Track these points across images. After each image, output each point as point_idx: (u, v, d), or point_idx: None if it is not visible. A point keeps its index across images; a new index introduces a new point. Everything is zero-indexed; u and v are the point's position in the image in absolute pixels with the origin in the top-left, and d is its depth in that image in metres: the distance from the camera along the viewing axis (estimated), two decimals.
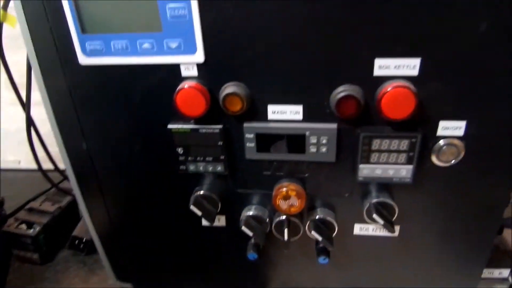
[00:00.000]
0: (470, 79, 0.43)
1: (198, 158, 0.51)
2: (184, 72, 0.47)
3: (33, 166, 1.08)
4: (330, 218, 0.52)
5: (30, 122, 0.67)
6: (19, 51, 0.62)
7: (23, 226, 0.76)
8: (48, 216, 0.78)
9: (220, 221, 0.58)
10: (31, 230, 0.74)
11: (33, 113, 0.91)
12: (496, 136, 0.45)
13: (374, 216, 0.49)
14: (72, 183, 0.58)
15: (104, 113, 0.51)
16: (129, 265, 0.66)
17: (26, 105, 0.65)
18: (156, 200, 0.58)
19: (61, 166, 0.82)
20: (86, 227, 0.77)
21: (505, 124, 0.45)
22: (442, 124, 0.45)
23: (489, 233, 0.54)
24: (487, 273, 0.61)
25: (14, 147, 1.09)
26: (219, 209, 0.54)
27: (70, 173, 0.57)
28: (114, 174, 0.56)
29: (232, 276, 0.64)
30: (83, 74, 0.49)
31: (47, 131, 0.95)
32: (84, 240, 0.77)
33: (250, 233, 0.53)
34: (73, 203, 0.84)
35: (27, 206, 0.80)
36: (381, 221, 0.49)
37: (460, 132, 0.45)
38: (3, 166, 1.09)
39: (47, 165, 1.04)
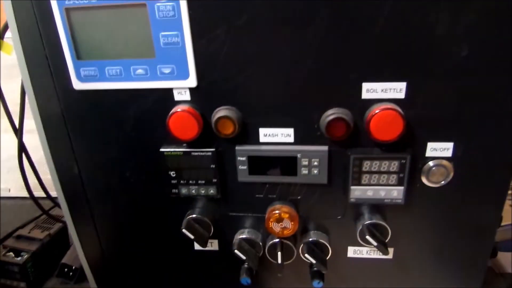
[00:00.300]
0: (455, 102, 0.44)
1: (191, 182, 0.51)
2: (177, 97, 0.47)
3: (23, 194, 1.07)
4: (323, 241, 0.52)
5: (22, 148, 0.67)
6: (14, 80, 0.63)
7: (11, 254, 0.74)
8: (37, 243, 0.76)
9: (213, 245, 0.57)
10: (19, 258, 0.73)
11: (25, 140, 0.91)
12: (483, 158, 0.46)
13: (367, 237, 0.49)
14: (63, 208, 0.58)
15: (96, 138, 0.52)
16: None
17: (18, 131, 0.65)
18: (148, 225, 0.57)
19: (52, 193, 0.82)
20: (76, 254, 0.76)
21: (492, 147, 0.46)
22: (430, 145, 0.46)
23: (483, 254, 0.54)
24: None
25: (4, 175, 1.07)
26: (211, 232, 0.54)
27: (60, 197, 0.57)
28: (105, 199, 0.56)
29: None
30: (77, 99, 0.49)
31: (39, 159, 0.95)
32: (73, 268, 0.75)
33: (243, 257, 0.53)
34: (63, 230, 0.83)
35: (15, 234, 0.78)
36: (374, 243, 0.49)
37: (448, 153, 0.46)
38: None
39: (37, 193, 1.03)
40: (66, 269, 0.75)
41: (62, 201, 0.57)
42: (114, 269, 0.62)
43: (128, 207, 0.56)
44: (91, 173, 0.54)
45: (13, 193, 1.08)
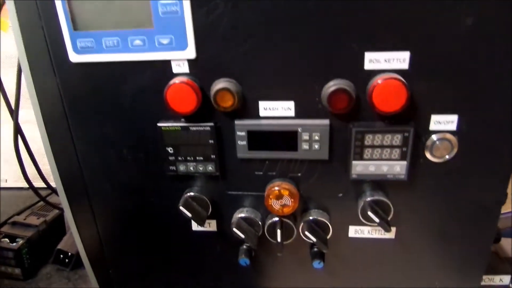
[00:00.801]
0: (460, 73, 0.43)
1: (189, 158, 0.50)
2: (176, 69, 0.46)
3: (20, 184, 1.06)
4: (324, 219, 0.51)
5: (17, 130, 0.65)
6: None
7: (6, 240, 0.73)
8: (33, 229, 0.75)
9: (211, 225, 0.56)
10: (14, 244, 0.71)
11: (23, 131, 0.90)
12: (489, 131, 0.45)
13: (369, 213, 0.48)
14: (59, 189, 0.57)
15: (93, 114, 0.51)
16: (116, 278, 0.63)
17: (14, 112, 0.64)
18: (145, 205, 0.56)
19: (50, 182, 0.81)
20: (72, 241, 0.75)
21: (498, 120, 0.45)
22: (434, 118, 0.45)
23: (487, 235, 0.53)
24: (487, 280, 0.60)
25: (2, 166, 1.06)
26: (209, 211, 0.53)
27: (56, 177, 0.56)
28: (102, 179, 0.55)
29: (223, 286, 0.61)
30: (73, 73, 0.48)
31: (37, 149, 0.94)
32: (69, 254, 0.74)
33: (241, 236, 0.51)
34: (60, 218, 0.82)
35: (11, 220, 0.77)
36: (377, 219, 0.48)
37: (453, 127, 0.45)
38: None
39: (35, 183, 1.02)
40: (61, 255, 0.74)
41: (57, 181, 0.56)
42: (111, 253, 0.61)
43: (126, 187, 0.55)
44: (88, 151, 0.53)
45: (10, 184, 1.07)
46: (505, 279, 0.60)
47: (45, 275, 0.74)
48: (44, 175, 0.80)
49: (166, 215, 0.56)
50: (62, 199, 0.57)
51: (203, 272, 0.60)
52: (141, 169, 0.53)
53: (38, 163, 1.03)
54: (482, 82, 0.43)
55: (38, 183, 1.03)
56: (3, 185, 1.06)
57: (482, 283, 0.57)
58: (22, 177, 1.04)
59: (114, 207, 0.57)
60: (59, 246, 0.73)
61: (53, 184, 0.83)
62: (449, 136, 0.46)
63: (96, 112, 0.50)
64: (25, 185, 1.04)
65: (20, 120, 1.02)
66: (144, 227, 0.58)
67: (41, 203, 0.83)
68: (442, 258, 0.55)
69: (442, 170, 0.48)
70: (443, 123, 0.45)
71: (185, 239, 0.57)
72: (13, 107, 0.64)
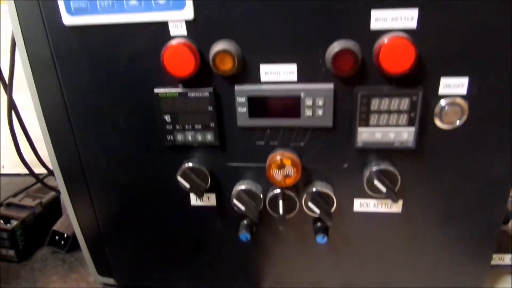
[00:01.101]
0: (471, 32, 0.41)
1: (187, 127, 0.48)
2: (173, 31, 0.44)
3: (18, 170, 1.04)
4: (328, 191, 0.49)
5: (12, 105, 0.64)
6: None
7: (0, 221, 0.71)
8: (27, 211, 0.73)
9: (210, 200, 0.54)
10: (8, 225, 0.69)
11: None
12: (501, 96, 0.43)
13: (376, 183, 0.46)
14: (53, 164, 0.55)
15: (87, 80, 0.49)
16: (112, 259, 0.61)
17: (8, 86, 0.62)
18: (142, 179, 0.54)
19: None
20: (68, 222, 0.73)
21: (509, 83, 0.43)
22: (444, 81, 0.43)
23: (497, 210, 0.51)
24: (497, 259, 0.57)
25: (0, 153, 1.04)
26: (208, 183, 0.51)
27: (50, 151, 0.54)
28: (97, 151, 0.53)
29: (221, 267, 0.59)
30: (67, 37, 0.46)
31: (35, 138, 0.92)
32: (65, 236, 0.72)
33: (242, 208, 0.50)
34: (56, 200, 0.80)
35: (6, 202, 0.75)
36: (383, 188, 0.46)
37: (463, 90, 0.43)
38: None
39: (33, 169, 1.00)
40: (57, 237, 0.72)
41: (51, 156, 0.54)
42: (107, 232, 0.59)
43: (122, 160, 0.53)
44: (82, 121, 0.51)
45: (7, 170, 1.05)
46: None
47: (40, 257, 0.72)
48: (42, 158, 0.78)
49: (163, 189, 0.54)
50: (56, 174, 0.55)
51: (202, 249, 0.58)
52: (137, 140, 0.51)
53: (30, 149, 1.02)
54: (495, 42, 0.41)
55: (35, 169, 1.02)
56: (1, 171, 1.04)
57: (492, 262, 0.55)
58: (20, 163, 1.03)
59: (110, 183, 0.55)
60: (55, 227, 0.71)
61: (50, 166, 0.82)
62: (459, 100, 0.44)
63: (91, 79, 0.48)
64: (23, 171, 1.04)
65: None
66: (141, 202, 0.56)
67: (38, 186, 0.81)
68: (450, 235, 0.52)
69: (451, 138, 0.46)
70: (453, 86, 0.43)
71: (184, 215, 0.55)
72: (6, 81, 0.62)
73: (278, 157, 0.47)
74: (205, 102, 0.47)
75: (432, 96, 0.44)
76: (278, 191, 0.50)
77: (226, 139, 0.49)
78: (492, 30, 0.40)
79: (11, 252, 0.70)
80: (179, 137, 0.49)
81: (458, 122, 0.44)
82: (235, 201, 0.50)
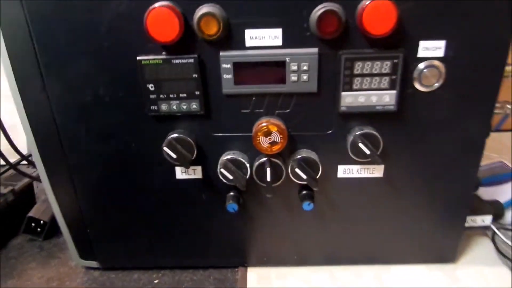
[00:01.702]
0: None
1: (171, 96, 0.48)
2: None
3: None
4: (313, 157, 0.50)
5: None
6: None
7: None
8: (1, 197, 0.69)
9: (196, 172, 0.53)
10: None
11: None
12: (476, 59, 0.45)
13: (360, 145, 0.47)
14: (28, 140, 0.52)
15: (66, 49, 0.47)
16: (95, 241, 0.60)
17: None
18: (125, 152, 0.52)
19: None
20: (44, 208, 0.70)
21: (484, 46, 0.45)
22: (422, 44, 0.45)
23: (472, 170, 0.53)
24: (470, 221, 0.60)
25: None
26: (194, 154, 0.50)
27: (25, 126, 0.51)
28: (77, 124, 0.51)
29: (208, 243, 0.59)
30: (43, 2, 0.44)
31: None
32: (41, 222, 0.69)
33: (229, 176, 0.49)
34: (28, 187, 0.77)
35: None
36: (367, 151, 0.47)
37: (440, 53, 0.45)
38: None
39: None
40: (33, 224, 0.69)
41: (27, 130, 0.51)
42: (89, 211, 0.57)
43: (103, 132, 0.51)
44: (61, 93, 0.49)
45: None
46: (487, 219, 0.61)
47: (15, 246, 0.68)
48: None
49: (148, 163, 0.53)
50: (33, 151, 0.53)
51: (188, 224, 0.58)
52: (119, 111, 0.50)
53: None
54: (470, 6, 0.43)
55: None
56: None
57: (465, 224, 0.58)
58: None
59: (91, 158, 0.53)
60: (30, 214, 0.68)
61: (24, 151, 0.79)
62: (436, 63, 0.45)
63: (69, 46, 0.47)
64: None
65: None
66: (124, 178, 0.54)
67: (8, 173, 0.77)
68: (429, 196, 0.55)
69: (429, 100, 0.48)
70: (431, 49, 0.45)
71: (169, 189, 0.55)
72: None
73: (264, 124, 0.48)
74: (189, 69, 0.46)
75: (412, 59, 0.46)
76: (264, 159, 0.50)
77: (211, 108, 0.49)
78: None
79: None
80: (164, 106, 0.48)
81: (436, 84, 0.46)
82: (222, 170, 0.49)
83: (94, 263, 0.62)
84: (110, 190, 0.55)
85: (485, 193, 0.69)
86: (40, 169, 0.54)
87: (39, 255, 0.67)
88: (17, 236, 0.71)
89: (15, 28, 0.46)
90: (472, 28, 0.44)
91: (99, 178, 0.55)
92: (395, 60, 0.45)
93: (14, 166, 0.71)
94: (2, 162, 0.80)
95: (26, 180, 0.76)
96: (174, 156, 0.48)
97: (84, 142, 0.52)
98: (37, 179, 0.75)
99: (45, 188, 0.56)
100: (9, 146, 0.73)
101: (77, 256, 0.62)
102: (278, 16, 0.44)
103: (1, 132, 0.68)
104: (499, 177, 0.77)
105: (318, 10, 0.42)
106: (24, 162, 0.75)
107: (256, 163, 0.50)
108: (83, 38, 0.46)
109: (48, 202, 0.70)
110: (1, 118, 0.67)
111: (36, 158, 0.54)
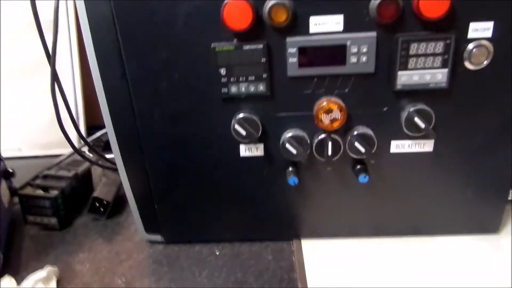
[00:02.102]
0: None
1: (241, 79, 0.53)
2: None
3: (35, 153, 1.05)
4: (370, 133, 0.54)
5: (55, 78, 0.66)
6: None
7: (40, 191, 0.73)
8: (65, 181, 0.75)
9: (258, 150, 0.58)
10: (50, 193, 0.72)
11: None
12: None
13: (416, 119, 0.51)
14: (107, 123, 0.58)
15: (146, 40, 0.52)
16: (160, 216, 0.65)
17: (52, 55, 0.64)
18: (194, 133, 0.58)
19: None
20: (106, 190, 0.76)
21: None
22: (472, 26, 0.49)
23: None
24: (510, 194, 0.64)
25: (15, 135, 1.05)
26: (260, 132, 0.55)
27: (105, 112, 0.57)
28: (152, 108, 0.56)
29: (265, 217, 0.64)
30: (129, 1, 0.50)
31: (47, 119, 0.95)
32: (104, 202, 0.75)
33: (294, 151, 0.54)
34: (87, 173, 0.82)
35: (42, 174, 0.77)
36: (423, 125, 0.51)
37: (489, 34, 0.49)
38: (4, 154, 1.05)
39: (49, 150, 1.02)
40: (97, 204, 0.75)
41: (105, 112, 0.57)
42: (158, 187, 0.62)
43: (175, 115, 0.56)
44: (139, 79, 0.54)
45: (25, 153, 1.06)
46: None
47: (81, 225, 0.74)
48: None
49: (214, 142, 0.58)
50: (109, 133, 0.58)
51: (247, 199, 0.63)
52: (190, 95, 0.55)
53: (55, 129, 1.04)
54: None
55: (54, 150, 1.04)
56: (18, 154, 1.05)
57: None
58: (37, 145, 1.04)
59: (162, 138, 0.58)
60: (95, 194, 0.74)
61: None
62: (485, 42, 0.50)
63: (149, 37, 0.52)
64: (40, 153, 1.05)
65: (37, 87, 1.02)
66: (192, 157, 0.60)
67: (68, 160, 0.83)
68: (474, 170, 0.59)
69: (478, 78, 0.52)
70: (480, 30, 0.49)
71: (232, 166, 0.60)
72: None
73: (325, 103, 0.52)
74: (258, 54, 0.51)
75: (462, 40, 0.50)
76: (324, 135, 0.55)
77: (275, 90, 0.54)
78: None
79: (53, 220, 0.72)
80: (233, 89, 0.53)
81: (485, 62, 0.50)
82: (287, 145, 0.54)
83: (158, 237, 0.68)
84: (179, 168, 0.61)
85: None
86: (115, 150, 0.60)
87: (105, 232, 0.73)
88: (81, 217, 0.77)
89: (102, 21, 0.51)
90: None
91: (169, 158, 0.60)
92: (448, 41, 0.49)
93: (78, 150, 0.77)
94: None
95: (85, 165, 0.82)
96: (244, 133, 0.53)
97: (157, 125, 0.57)
98: (97, 163, 0.81)
99: (118, 167, 0.61)
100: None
101: (143, 230, 0.67)
102: (340, 4, 0.49)
103: (71, 122, 0.74)
104: None
105: None
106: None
107: (317, 139, 0.55)
108: (162, 29, 0.51)
109: (109, 185, 0.77)
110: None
111: (112, 140, 0.59)
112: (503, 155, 0.57)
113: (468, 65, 0.51)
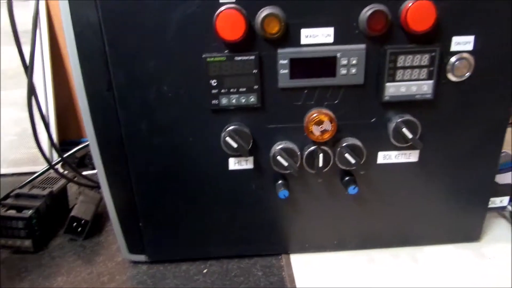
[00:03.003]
0: None
1: (232, 90, 0.52)
2: None
3: (9, 171, 0.99)
4: (359, 144, 0.55)
5: (32, 89, 0.63)
6: None
7: (12, 211, 0.69)
8: (40, 200, 0.71)
9: (248, 162, 0.57)
10: (24, 212, 0.67)
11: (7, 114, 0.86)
12: (501, 51, 0.52)
13: (404, 130, 0.52)
14: (89, 135, 0.55)
15: (135, 49, 0.51)
16: (145, 235, 0.62)
17: (29, 66, 0.61)
18: (182, 145, 0.56)
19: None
20: (84, 209, 0.73)
21: (507, 40, 0.52)
22: (455, 39, 0.51)
23: (496, 153, 0.59)
24: (489, 202, 0.66)
25: None
26: (250, 144, 0.54)
27: (87, 122, 0.54)
28: (139, 119, 0.54)
29: (254, 231, 0.63)
30: (117, 5, 0.48)
31: (20, 131, 0.91)
32: (82, 222, 0.71)
33: (285, 163, 0.54)
34: (63, 191, 0.78)
35: (14, 193, 0.73)
36: (410, 135, 0.52)
37: (470, 47, 0.52)
38: None
39: (16, 168, 0.97)
40: (75, 224, 0.71)
41: (88, 123, 0.54)
42: (143, 204, 0.60)
43: (162, 126, 0.55)
44: (127, 90, 0.53)
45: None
46: (504, 200, 0.68)
47: (56, 246, 0.70)
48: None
49: (203, 155, 0.57)
50: (91, 145, 0.56)
51: (235, 213, 0.61)
52: (179, 106, 0.54)
53: (23, 146, 0.99)
54: (496, 7, 0.50)
55: (23, 167, 0.99)
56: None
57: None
58: (3, 163, 0.99)
59: (149, 150, 0.56)
60: (73, 213, 0.70)
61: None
62: (466, 55, 0.52)
63: (138, 46, 0.51)
64: (7, 171, 0.99)
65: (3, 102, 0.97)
66: (180, 170, 0.58)
67: (42, 177, 0.79)
68: (458, 179, 0.60)
69: (460, 89, 0.54)
70: (462, 43, 0.52)
71: (221, 180, 0.58)
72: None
73: (316, 114, 0.53)
74: (250, 65, 0.51)
75: (446, 52, 0.52)
76: (314, 147, 0.55)
77: (266, 101, 0.54)
78: None
79: (27, 243, 0.68)
80: (224, 100, 0.53)
81: (467, 74, 0.53)
82: (278, 158, 0.54)
83: (142, 257, 0.65)
84: (165, 182, 0.59)
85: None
86: (98, 164, 0.57)
87: (83, 253, 0.69)
88: (56, 238, 0.73)
89: (88, 27, 0.49)
90: (497, 25, 0.51)
91: (156, 171, 0.58)
92: (433, 54, 0.51)
93: (52, 166, 0.73)
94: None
95: (60, 183, 0.78)
96: (235, 145, 0.53)
97: (144, 136, 0.55)
98: (74, 181, 0.77)
99: (100, 182, 0.59)
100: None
101: (126, 250, 0.64)
102: (331, 17, 0.50)
103: (47, 135, 0.70)
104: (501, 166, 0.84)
105: (368, 10, 0.48)
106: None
107: (307, 151, 0.55)
108: (152, 38, 0.50)
109: (87, 202, 0.74)
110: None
111: (95, 153, 0.56)
112: (484, 164, 0.60)
113: (451, 77, 0.53)
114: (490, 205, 0.67)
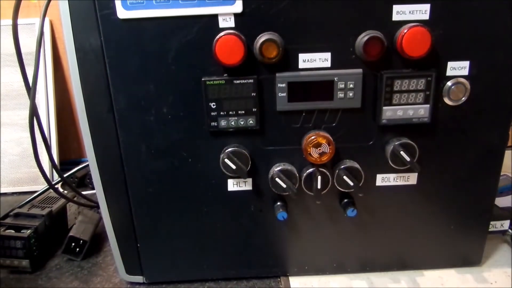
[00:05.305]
0: (471, 25, 0.50)
1: (230, 113, 0.53)
2: (222, 24, 0.50)
3: (9, 190, 1.00)
4: (357, 166, 0.55)
5: (34, 110, 0.64)
6: None
7: (11, 231, 0.69)
8: (39, 220, 0.71)
9: (247, 184, 0.58)
10: (22, 232, 0.67)
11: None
12: (496, 76, 0.53)
13: (402, 153, 0.53)
14: (89, 154, 0.56)
15: (135, 73, 0.52)
16: (144, 255, 0.62)
17: (32, 87, 0.62)
18: (181, 167, 0.56)
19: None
20: (83, 229, 0.73)
21: (502, 66, 0.52)
22: (450, 64, 0.52)
23: (494, 177, 0.59)
24: (490, 226, 0.66)
25: None
26: (249, 166, 0.55)
27: (88, 143, 0.55)
28: (139, 141, 0.55)
29: (253, 253, 0.62)
30: (119, 30, 0.50)
31: (20, 152, 0.92)
32: (81, 242, 0.71)
33: (283, 185, 0.54)
34: (62, 211, 0.78)
35: (13, 212, 0.73)
36: (408, 158, 0.53)
37: (465, 72, 0.52)
38: None
39: (13, 188, 0.98)
40: (73, 244, 0.70)
41: (88, 144, 0.55)
42: (142, 227, 0.60)
43: (162, 148, 0.55)
44: (127, 112, 0.53)
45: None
46: (505, 224, 0.67)
47: (54, 266, 0.69)
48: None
49: (202, 176, 0.57)
50: (91, 165, 0.56)
51: (234, 235, 0.61)
52: (179, 128, 0.54)
53: (24, 165, 0.99)
54: (490, 33, 0.51)
55: (23, 187, 0.99)
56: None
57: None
58: (4, 182, 0.99)
59: (148, 172, 0.57)
60: (71, 233, 0.70)
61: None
62: (462, 80, 0.53)
63: (139, 71, 0.52)
64: (7, 190, 1.00)
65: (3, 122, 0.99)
66: (179, 191, 0.58)
67: (41, 197, 0.79)
68: (457, 203, 0.60)
69: (457, 113, 0.54)
70: (457, 68, 0.52)
71: (220, 201, 0.59)
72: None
73: (314, 137, 0.53)
74: (248, 88, 0.52)
75: (441, 77, 0.53)
76: (313, 169, 0.55)
77: (264, 124, 0.54)
78: (488, 24, 0.50)
79: (25, 262, 0.67)
80: (223, 122, 0.53)
81: (463, 99, 0.53)
82: (277, 179, 0.54)
83: (139, 278, 0.64)
84: (164, 203, 0.59)
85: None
86: (97, 185, 0.58)
87: (81, 274, 0.68)
88: (54, 258, 0.72)
89: (90, 51, 0.51)
90: (492, 50, 0.52)
91: (155, 192, 0.58)
92: (429, 78, 0.52)
93: (53, 185, 0.73)
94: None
95: (59, 202, 0.78)
96: (234, 167, 0.53)
97: (143, 158, 0.56)
98: (74, 200, 0.77)
99: (99, 202, 0.59)
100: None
101: (124, 271, 0.64)
102: (328, 42, 0.51)
103: (48, 155, 0.71)
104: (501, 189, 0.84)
105: (364, 36, 0.49)
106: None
107: (305, 173, 0.55)
108: (152, 63, 0.51)
109: (86, 223, 0.73)
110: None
111: (95, 174, 0.57)
112: (483, 187, 0.60)
113: (447, 101, 0.53)
114: (491, 229, 0.66)
